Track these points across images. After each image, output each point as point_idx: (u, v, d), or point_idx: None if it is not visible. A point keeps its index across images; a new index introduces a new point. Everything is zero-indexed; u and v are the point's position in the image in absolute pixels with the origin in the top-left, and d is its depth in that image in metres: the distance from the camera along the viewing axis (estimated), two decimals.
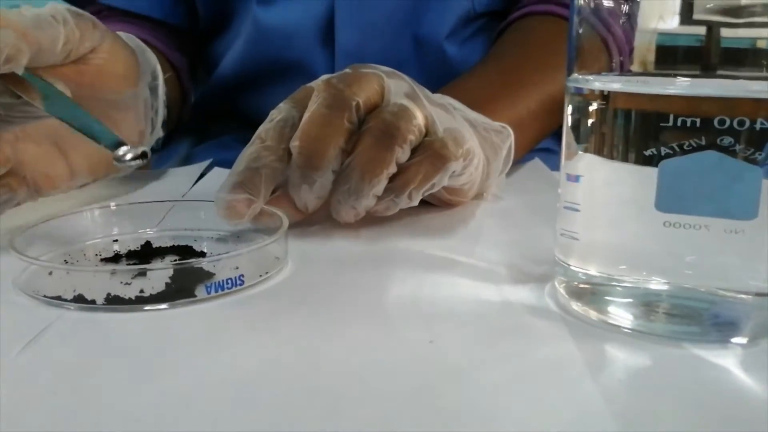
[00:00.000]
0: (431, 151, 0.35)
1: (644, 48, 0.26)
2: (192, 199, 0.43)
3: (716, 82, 0.28)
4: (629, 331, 0.26)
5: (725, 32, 0.26)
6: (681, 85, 0.27)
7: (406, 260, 0.34)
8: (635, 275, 0.26)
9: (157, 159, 0.73)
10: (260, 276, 0.31)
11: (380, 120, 0.34)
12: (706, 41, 0.26)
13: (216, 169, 0.52)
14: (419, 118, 0.35)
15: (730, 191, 0.25)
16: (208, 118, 0.67)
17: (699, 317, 0.26)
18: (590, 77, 0.28)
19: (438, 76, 0.54)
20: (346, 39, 0.59)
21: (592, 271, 0.27)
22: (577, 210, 0.28)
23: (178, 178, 0.49)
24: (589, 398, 0.22)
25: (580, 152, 0.28)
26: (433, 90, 0.41)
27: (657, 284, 0.26)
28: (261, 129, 0.36)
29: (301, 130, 0.35)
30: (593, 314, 0.27)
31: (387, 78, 0.37)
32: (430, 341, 0.25)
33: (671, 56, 0.27)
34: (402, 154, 0.34)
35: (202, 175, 0.51)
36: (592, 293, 0.28)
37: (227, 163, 0.57)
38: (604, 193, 0.27)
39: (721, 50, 0.26)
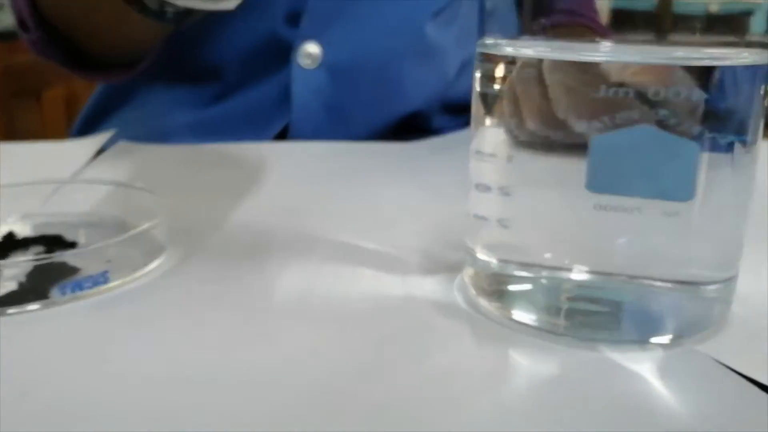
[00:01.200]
0: None
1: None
2: (80, 181, 0.39)
3: (644, 49, 0.25)
4: (540, 331, 0.23)
5: None
6: (605, 52, 0.24)
7: (308, 248, 0.30)
8: (554, 266, 0.23)
9: (83, 125, 0.65)
10: (134, 271, 0.27)
11: None
12: (659, 6, 0.23)
13: (121, 144, 0.48)
14: None
15: (665, 169, 0.22)
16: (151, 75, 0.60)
17: (619, 314, 0.23)
18: (502, 41, 0.24)
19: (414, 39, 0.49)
20: None
21: (504, 262, 0.24)
22: (490, 191, 0.24)
23: (73, 153, 0.44)
24: (485, 413, 0.19)
25: (494, 126, 0.24)
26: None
27: (578, 274, 0.23)
28: None
29: None
30: (501, 312, 0.24)
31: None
32: (312, 347, 0.22)
33: (627, 21, 0.23)
34: None
35: (103, 149, 0.46)
36: (502, 288, 0.25)
37: (148, 137, 0.52)
38: (523, 173, 0.24)
39: (673, 15, 0.23)
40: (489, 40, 0.24)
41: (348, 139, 0.53)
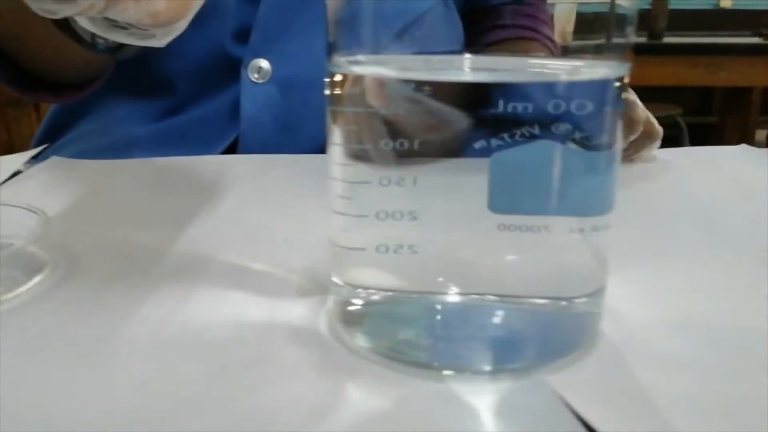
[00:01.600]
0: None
1: (563, 19, 0.23)
2: None
3: (504, 61, 0.24)
4: (391, 361, 0.22)
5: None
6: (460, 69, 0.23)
7: (192, 270, 0.29)
8: (410, 290, 0.22)
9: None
10: None
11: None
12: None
13: (54, 159, 0.47)
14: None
15: (569, 186, 0.21)
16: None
17: (477, 340, 0.22)
18: (362, 57, 0.23)
19: None
20: None
21: (355, 287, 0.23)
22: (339, 214, 0.23)
23: None
24: None
25: (340, 147, 0.23)
26: None
27: (453, 296, 0.22)
28: None
29: None
30: (351, 339, 0.23)
31: None
32: (142, 382, 0.21)
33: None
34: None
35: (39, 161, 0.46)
36: (354, 314, 0.23)
37: (104, 150, 0.52)
38: (365, 195, 0.23)
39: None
40: (337, 59, 0.23)
41: (297, 152, 0.52)
